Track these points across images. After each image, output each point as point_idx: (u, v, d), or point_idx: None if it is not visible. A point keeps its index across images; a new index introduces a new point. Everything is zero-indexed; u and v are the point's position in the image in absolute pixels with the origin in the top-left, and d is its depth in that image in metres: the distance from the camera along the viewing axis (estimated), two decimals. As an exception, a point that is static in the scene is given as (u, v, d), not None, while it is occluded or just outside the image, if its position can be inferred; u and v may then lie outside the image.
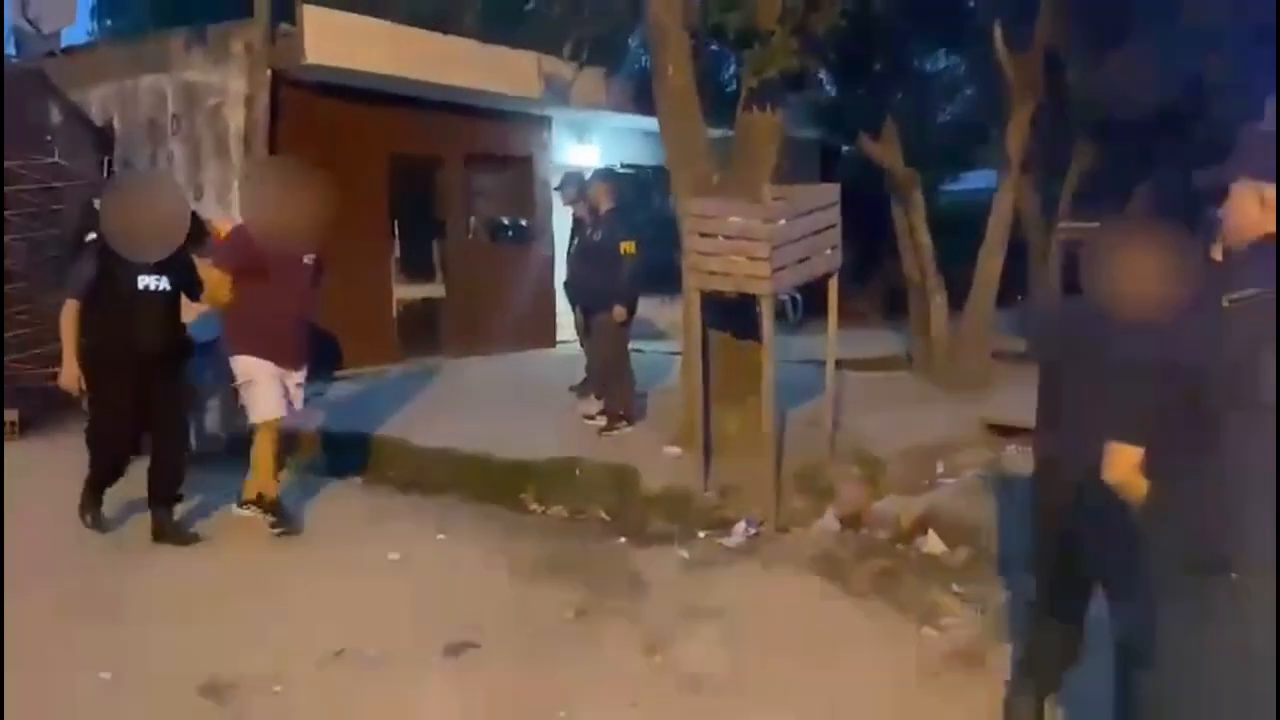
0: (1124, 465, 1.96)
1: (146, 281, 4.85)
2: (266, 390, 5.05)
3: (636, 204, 8.28)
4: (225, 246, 5.23)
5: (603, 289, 6.91)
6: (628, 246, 6.76)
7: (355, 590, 4.45)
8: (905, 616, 4.27)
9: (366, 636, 3.91)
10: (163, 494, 5.07)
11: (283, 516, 5.21)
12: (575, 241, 7.67)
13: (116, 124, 9.86)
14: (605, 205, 7.07)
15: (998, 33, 8.45)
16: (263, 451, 5.12)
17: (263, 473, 5.14)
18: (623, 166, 11.74)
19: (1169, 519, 1.93)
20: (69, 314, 4.85)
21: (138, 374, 4.88)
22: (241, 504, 5.22)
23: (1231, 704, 1.84)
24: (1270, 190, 1.84)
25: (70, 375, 4.87)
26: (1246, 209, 1.86)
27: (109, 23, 16.82)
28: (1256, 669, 1.80)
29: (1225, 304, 1.79)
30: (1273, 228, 1.84)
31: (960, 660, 3.86)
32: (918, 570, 4.84)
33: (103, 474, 5.06)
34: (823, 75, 9.58)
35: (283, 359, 5.10)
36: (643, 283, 7.08)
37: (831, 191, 5.85)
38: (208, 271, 5.05)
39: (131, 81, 9.84)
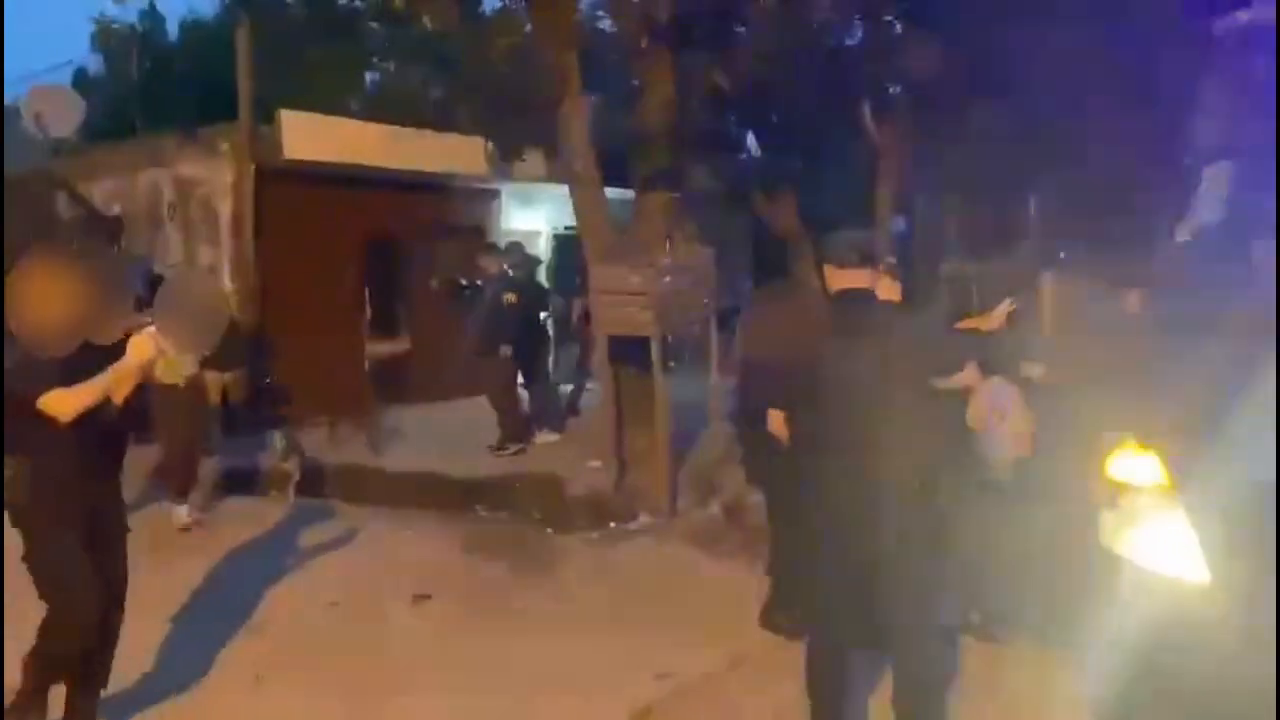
0: (774, 420, 3.49)
1: None
2: None
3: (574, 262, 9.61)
4: None
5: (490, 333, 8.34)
6: (510, 297, 8.26)
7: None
8: (752, 567, 5.75)
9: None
10: None
11: None
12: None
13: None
14: (493, 270, 8.58)
15: (866, 111, 10.19)
16: None
17: None
18: (565, 229, 13.29)
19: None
20: None
21: None
22: None
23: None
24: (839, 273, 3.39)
25: None
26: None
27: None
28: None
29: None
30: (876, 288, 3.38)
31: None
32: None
33: None
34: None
35: None
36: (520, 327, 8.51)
37: (706, 255, 7.35)
38: None
39: (130, 177, 11.36)
